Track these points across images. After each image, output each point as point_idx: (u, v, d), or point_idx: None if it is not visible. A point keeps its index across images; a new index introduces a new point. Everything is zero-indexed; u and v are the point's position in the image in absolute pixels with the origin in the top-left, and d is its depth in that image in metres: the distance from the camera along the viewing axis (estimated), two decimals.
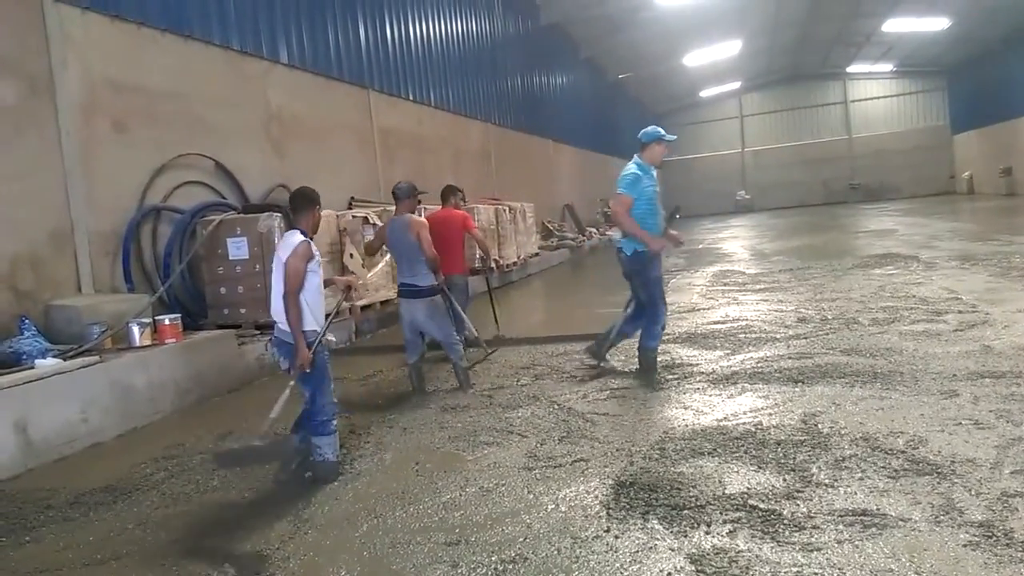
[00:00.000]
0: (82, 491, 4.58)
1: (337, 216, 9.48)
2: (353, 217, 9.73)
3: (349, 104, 12.60)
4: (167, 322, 6.72)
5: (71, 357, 5.86)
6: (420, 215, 7.07)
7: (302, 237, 4.40)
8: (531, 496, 3.88)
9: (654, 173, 6.31)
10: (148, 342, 6.54)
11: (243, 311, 8.19)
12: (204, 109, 9.15)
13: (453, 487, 4.11)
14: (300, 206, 4.63)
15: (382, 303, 9.95)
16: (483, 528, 3.57)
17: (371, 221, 9.76)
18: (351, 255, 9.23)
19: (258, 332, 8.09)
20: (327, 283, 4.86)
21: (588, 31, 26.46)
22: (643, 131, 6.30)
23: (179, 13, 8.87)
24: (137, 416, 6.06)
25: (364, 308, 9.64)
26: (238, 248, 8.13)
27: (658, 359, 6.47)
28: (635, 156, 6.29)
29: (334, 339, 4.60)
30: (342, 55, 12.40)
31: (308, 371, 4.33)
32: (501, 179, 19.34)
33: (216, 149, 9.23)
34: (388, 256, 10.06)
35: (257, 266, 8.11)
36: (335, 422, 4.52)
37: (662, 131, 6.26)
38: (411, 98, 14.89)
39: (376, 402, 6.26)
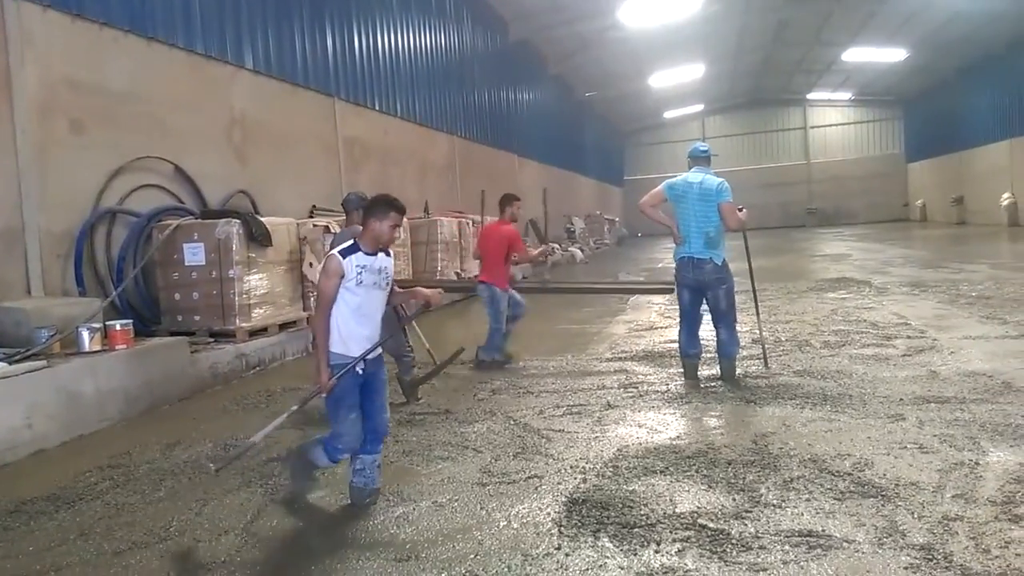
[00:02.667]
0: (23, 499, 4.45)
1: (298, 224, 9.40)
2: (314, 226, 9.65)
3: (314, 112, 12.53)
4: (118, 327, 6.57)
5: (17, 361, 5.70)
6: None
7: (334, 253, 3.97)
8: (483, 512, 3.88)
9: None
10: (98, 347, 6.38)
11: (197, 318, 8.07)
12: (165, 112, 9.02)
13: (405, 502, 4.09)
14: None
15: None
16: (434, 544, 3.55)
17: (332, 230, 9.69)
18: (310, 264, 9.15)
19: (212, 340, 7.98)
20: (408, 296, 4.41)
21: (556, 48, 26.70)
22: (706, 148, 6.59)
23: (143, 14, 8.75)
24: (83, 423, 5.91)
25: None
26: (194, 254, 8.02)
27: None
28: (704, 168, 6.41)
29: (361, 370, 4.01)
30: (308, 62, 12.33)
31: (324, 395, 3.98)
32: (466, 192, 19.34)
33: (176, 153, 9.10)
34: None
35: (213, 272, 8.01)
36: (346, 456, 4.10)
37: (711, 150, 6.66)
38: (377, 108, 14.86)
39: None
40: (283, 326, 8.79)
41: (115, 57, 8.34)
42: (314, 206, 11.91)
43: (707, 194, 6.21)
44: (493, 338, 7.76)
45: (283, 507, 4.13)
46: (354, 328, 3.96)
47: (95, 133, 8.01)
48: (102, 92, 8.15)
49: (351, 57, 13.82)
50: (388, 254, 4.11)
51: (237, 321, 8.07)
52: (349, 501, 4.09)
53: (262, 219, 8.61)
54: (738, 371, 6.58)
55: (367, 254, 3.98)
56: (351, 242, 4.02)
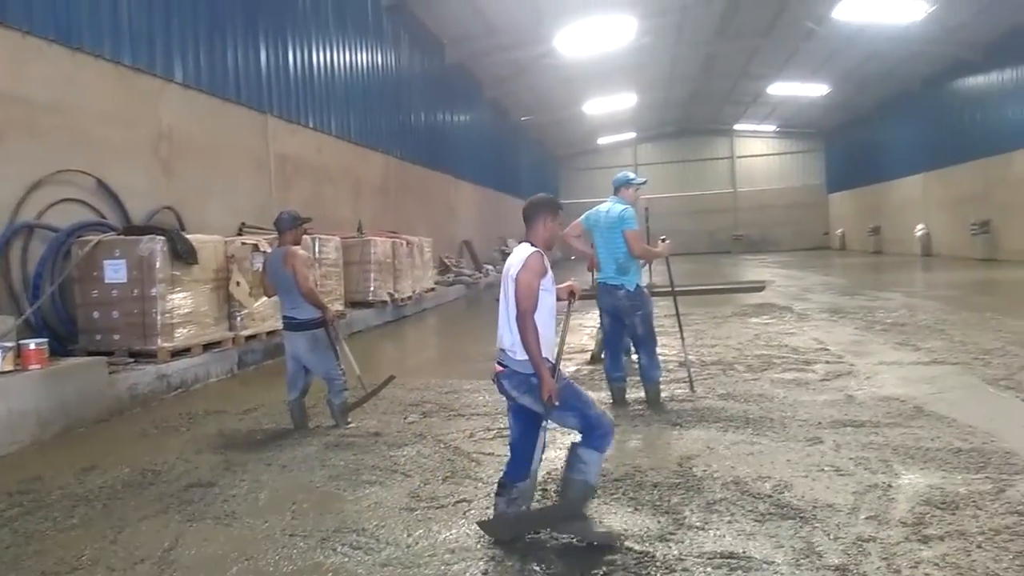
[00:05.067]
0: None
1: (225, 242, 9.21)
2: (243, 244, 9.47)
3: (246, 128, 12.33)
4: (33, 346, 6.30)
5: None
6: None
7: (538, 249, 3.75)
8: (410, 538, 3.84)
9: None
10: (10, 367, 6.11)
11: (117, 337, 7.82)
12: (89, 124, 8.76)
13: (330, 528, 4.02)
14: (533, 214, 3.87)
15: (268, 333, 9.68)
16: (360, 572, 3.50)
17: (261, 248, 9.52)
18: (237, 283, 8.96)
19: (132, 360, 7.73)
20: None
21: (492, 73, 26.94)
22: (615, 177, 6.70)
23: (68, 24, 8.51)
24: None
25: (249, 338, 9.36)
26: (116, 271, 7.78)
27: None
28: (618, 197, 6.54)
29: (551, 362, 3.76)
30: (241, 77, 12.15)
31: (556, 404, 3.63)
32: (400, 212, 19.28)
33: (100, 167, 8.84)
34: None
35: (135, 290, 7.79)
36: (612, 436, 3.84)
37: (630, 176, 6.67)
38: (311, 125, 14.72)
39: (255, 438, 6.06)
40: (207, 346, 8.57)
41: (38, 66, 8.08)
42: (243, 223, 11.69)
43: (612, 222, 6.42)
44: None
45: (201, 536, 4.01)
46: (547, 332, 3.69)
47: (14, 144, 7.72)
48: (23, 102, 7.87)
49: (285, 73, 13.67)
50: None
51: (159, 341, 7.84)
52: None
53: (188, 236, 8.41)
54: (664, 394, 6.70)
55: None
56: (527, 242, 3.81)
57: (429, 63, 22.51)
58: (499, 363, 3.80)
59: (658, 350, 6.65)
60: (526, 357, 3.61)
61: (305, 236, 11.10)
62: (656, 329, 6.73)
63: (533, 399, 3.68)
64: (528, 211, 3.89)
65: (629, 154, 46.24)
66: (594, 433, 3.72)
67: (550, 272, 3.73)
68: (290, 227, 6.22)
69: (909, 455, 4.81)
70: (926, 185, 29.78)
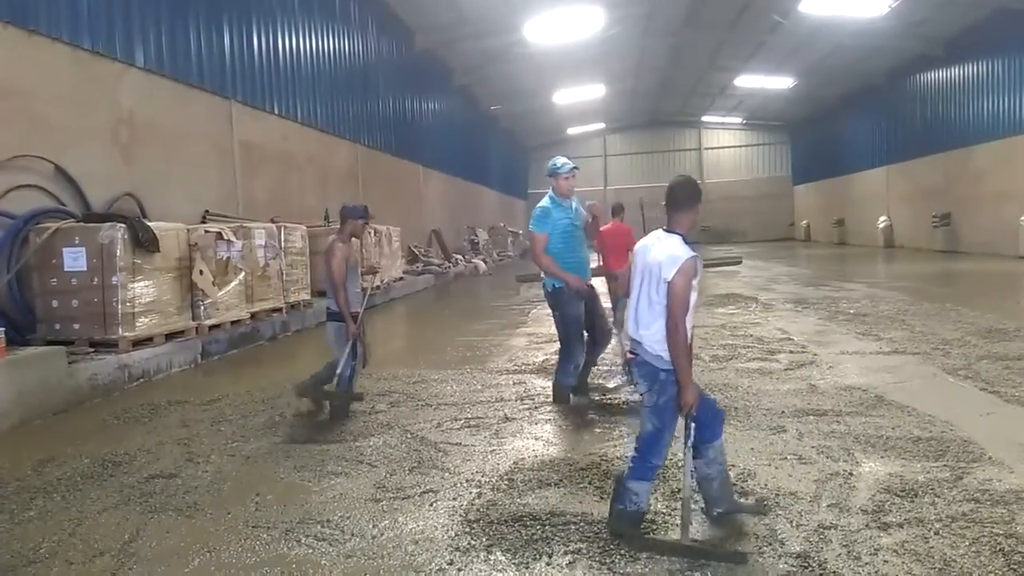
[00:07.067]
0: None
1: (188, 230, 9.05)
2: (206, 232, 9.32)
3: (209, 113, 12.12)
4: None
5: None
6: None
7: (689, 250, 3.48)
8: (375, 529, 3.82)
9: (572, 205, 6.30)
10: None
11: (77, 326, 7.66)
12: (46, 109, 8.55)
13: (294, 520, 3.98)
14: (686, 199, 3.64)
15: (232, 323, 9.55)
16: (325, 564, 3.47)
17: (225, 237, 9.38)
18: (201, 272, 8.82)
19: (92, 350, 7.59)
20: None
21: (463, 61, 26.78)
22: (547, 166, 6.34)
23: (25, 5, 8.28)
24: None
25: (213, 328, 9.23)
26: (75, 259, 7.62)
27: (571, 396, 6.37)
28: (549, 191, 6.30)
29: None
30: (204, 62, 11.93)
31: (694, 414, 3.55)
32: (368, 201, 18.85)
33: (57, 152, 8.63)
34: (241, 275, 9.72)
35: (95, 279, 7.63)
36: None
37: (557, 164, 6.25)
38: (277, 112, 14.51)
39: (219, 428, 5.97)
40: (170, 336, 8.43)
41: None
42: (207, 211, 11.51)
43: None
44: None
45: (163, 528, 3.94)
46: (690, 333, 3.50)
47: None
48: None
49: (249, 59, 13.45)
50: None
51: (120, 330, 7.70)
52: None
53: (149, 224, 8.26)
54: (616, 385, 6.73)
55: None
56: (680, 235, 3.59)
57: (398, 50, 22.30)
58: (632, 351, 3.70)
59: (576, 364, 6.29)
60: (657, 351, 3.51)
61: (271, 225, 11.01)
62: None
63: (651, 394, 3.59)
64: (680, 194, 3.64)
65: (598, 145, 46.39)
66: (650, 461, 3.63)
67: (700, 271, 3.54)
68: (345, 218, 6.31)
69: (870, 443, 4.89)
70: (889, 178, 30.26)
